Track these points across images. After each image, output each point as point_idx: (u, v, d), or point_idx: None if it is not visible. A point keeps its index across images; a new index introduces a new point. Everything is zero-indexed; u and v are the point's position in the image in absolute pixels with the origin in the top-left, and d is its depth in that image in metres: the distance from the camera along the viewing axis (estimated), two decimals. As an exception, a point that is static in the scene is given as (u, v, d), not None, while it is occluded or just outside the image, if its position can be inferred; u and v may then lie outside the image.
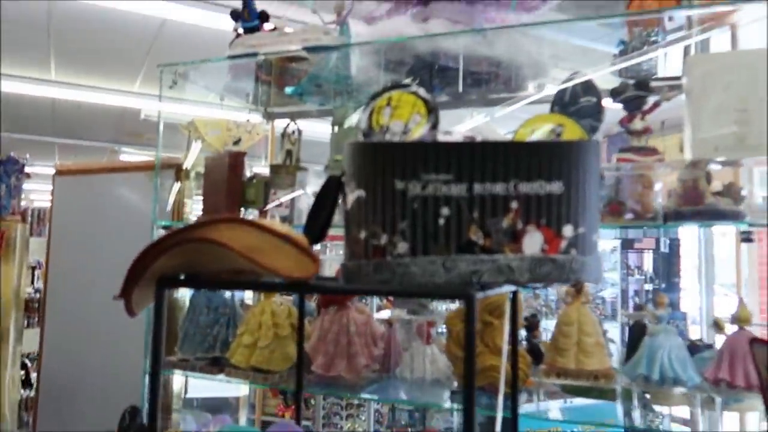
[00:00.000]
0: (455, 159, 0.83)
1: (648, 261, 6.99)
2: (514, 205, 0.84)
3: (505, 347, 1.30)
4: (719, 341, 1.50)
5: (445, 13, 1.65)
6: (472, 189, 0.83)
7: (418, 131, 0.97)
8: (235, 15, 1.95)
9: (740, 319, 1.30)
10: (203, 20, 3.93)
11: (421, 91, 1.00)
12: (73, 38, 4.61)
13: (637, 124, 1.34)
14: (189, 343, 1.69)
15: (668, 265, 6.66)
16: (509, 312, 1.28)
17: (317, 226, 1.00)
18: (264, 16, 1.92)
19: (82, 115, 6.46)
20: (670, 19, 1.61)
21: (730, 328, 1.37)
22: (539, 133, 0.95)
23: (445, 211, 0.84)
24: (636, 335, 1.62)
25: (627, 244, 6.91)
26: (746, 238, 1.57)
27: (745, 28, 1.55)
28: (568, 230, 0.86)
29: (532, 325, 1.63)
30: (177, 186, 1.90)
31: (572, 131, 0.93)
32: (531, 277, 0.84)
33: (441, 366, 1.62)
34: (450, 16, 1.64)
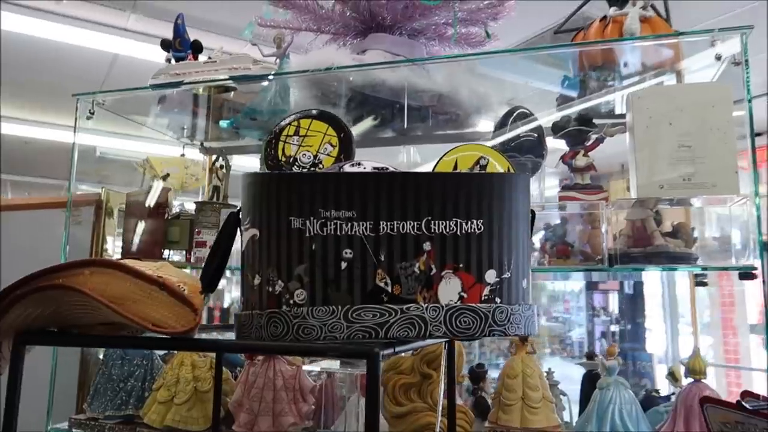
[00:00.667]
0: (358, 193, 0.72)
1: (613, 302, 6.97)
2: (426, 246, 0.73)
3: (441, 403, 1.17)
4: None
5: (384, 45, 1.57)
6: (378, 228, 0.72)
7: (330, 163, 0.87)
8: (166, 45, 1.84)
9: (694, 370, 1.20)
10: (156, 55, 3.83)
11: (335, 118, 0.89)
12: (21, 72, 4.46)
13: (580, 160, 1.26)
14: (99, 400, 1.51)
15: (633, 305, 6.65)
16: (445, 363, 1.16)
17: (211, 269, 0.87)
18: (197, 47, 1.81)
19: (30, 151, 6.24)
20: (626, 65, 1.57)
21: (687, 380, 1.27)
22: (463, 167, 0.85)
23: (347, 253, 0.72)
24: (589, 386, 1.51)
25: (592, 285, 6.90)
26: (700, 282, 1.49)
27: (691, 76, 1.50)
28: (490, 275, 0.75)
29: (478, 375, 1.51)
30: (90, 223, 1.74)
31: (497, 163, 0.83)
32: (448, 330, 0.73)
33: (382, 422, 1.47)
34: (388, 49, 1.56)
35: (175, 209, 1.74)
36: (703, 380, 1.20)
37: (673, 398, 1.44)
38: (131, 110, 2.04)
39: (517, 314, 0.76)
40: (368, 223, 0.72)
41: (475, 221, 0.74)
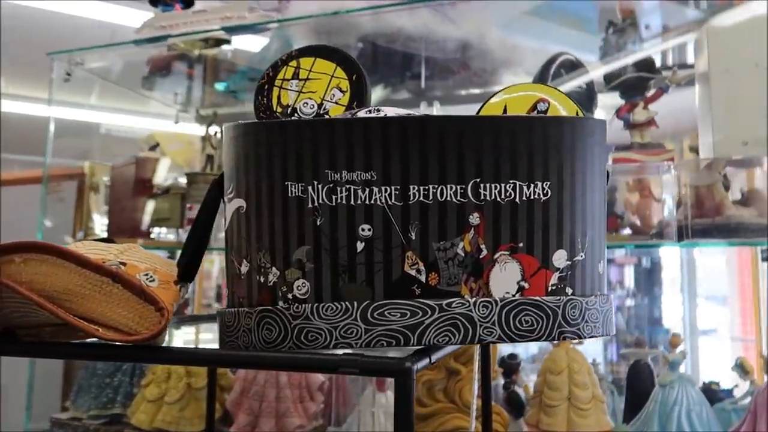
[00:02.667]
0: (379, 146, 0.52)
1: (629, 276, 6.77)
2: (474, 219, 0.53)
3: (474, 403, 0.98)
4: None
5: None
6: (407, 194, 0.52)
7: (338, 113, 0.67)
8: (155, 0, 1.63)
9: (777, 365, 1.00)
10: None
11: (345, 56, 0.69)
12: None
13: (639, 114, 1.05)
14: (83, 397, 1.34)
15: (650, 279, 6.45)
16: (478, 359, 0.97)
17: (188, 254, 0.68)
18: (188, 0, 1.61)
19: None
20: (647, 27, 1.37)
21: (762, 375, 1.07)
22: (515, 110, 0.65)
23: (365, 230, 0.53)
24: (637, 380, 1.32)
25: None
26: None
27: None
28: (559, 258, 0.55)
29: (511, 367, 1.32)
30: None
31: (564, 108, 0.63)
32: (504, 333, 0.53)
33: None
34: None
35: (168, 182, 1.55)
36: (786, 376, 1.01)
37: (736, 392, 1.25)
38: (122, 75, 1.84)
39: (594, 309, 0.57)
40: (393, 188, 0.52)
41: (540, 184, 0.54)
